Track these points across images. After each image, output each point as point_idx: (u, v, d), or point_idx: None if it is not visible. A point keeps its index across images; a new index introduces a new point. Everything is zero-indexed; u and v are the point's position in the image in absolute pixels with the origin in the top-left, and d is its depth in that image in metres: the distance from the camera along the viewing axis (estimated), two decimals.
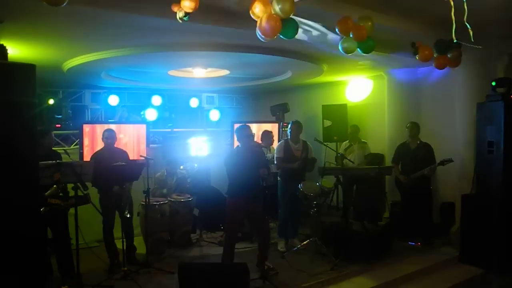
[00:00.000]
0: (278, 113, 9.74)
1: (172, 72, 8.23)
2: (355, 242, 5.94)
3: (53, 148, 5.76)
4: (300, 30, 4.21)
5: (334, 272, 5.47)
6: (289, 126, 6.53)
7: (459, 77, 6.82)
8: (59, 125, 7.93)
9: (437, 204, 7.27)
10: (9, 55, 3.81)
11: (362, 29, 4.44)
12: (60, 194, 4.73)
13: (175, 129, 9.06)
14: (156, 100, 9.56)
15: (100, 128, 6.69)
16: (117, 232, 5.60)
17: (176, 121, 9.62)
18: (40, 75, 3.55)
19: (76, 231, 4.65)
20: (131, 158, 6.11)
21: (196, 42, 5.89)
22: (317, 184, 6.22)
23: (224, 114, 10.29)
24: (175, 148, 7.99)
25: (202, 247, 6.66)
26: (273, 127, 8.92)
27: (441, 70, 5.94)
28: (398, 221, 6.99)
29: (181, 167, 7.39)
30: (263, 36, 3.93)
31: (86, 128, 7.12)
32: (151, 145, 7.85)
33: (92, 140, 7.06)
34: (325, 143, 7.09)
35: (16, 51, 5.84)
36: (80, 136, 7.06)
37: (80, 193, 4.63)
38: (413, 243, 6.63)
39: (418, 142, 6.76)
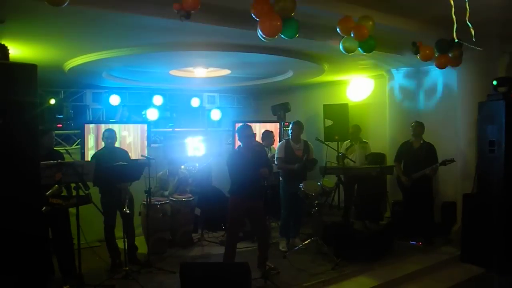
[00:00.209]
0: (279, 112, 9.73)
1: (173, 72, 8.24)
2: (356, 241, 5.94)
3: (55, 148, 5.78)
4: None
5: (335, 271, 5.47)
6: (290, 126, 6.53)
7: (460, 77, 6.81)
8: (60, 125, 7.92)
9: (438, 204, 7.27)
10: (10, 55, 3.82)
11: (363, 29, 4.45)
12: (63, 193, 4.74)
13: (176, 129, 9.06)
14: (157, 100, 9.55)
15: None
16: (119, 231, 5.61)
17: (177, 121, 9.62)
18: (41, 75, 3.56)
19: (78, 231, 4.66)
20: (133, 157, 6.12)
21: (197, 42, 5.90)
22: (319, 183, 6.22)
23: (225, 114, 10.28)
24: (176, 147, 7.99)
25: (203, 246, 6.67)
26: (274, 127, 8.93)
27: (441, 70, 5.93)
28: (399, 221, 7.00)
29: (183, 166, 7.40)
30: (264, 36, 3.94)
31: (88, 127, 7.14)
32: (152, 145, 7.85)
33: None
34: (326, 143, 7.09)
35: (17, 51, 5.85)
36: (81, 135, 7.06)
37: (81, 193, 4.64)
38: (414, 243, 6.63)
39: (422, 141, 6.74)
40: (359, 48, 4.63)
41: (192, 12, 3.65)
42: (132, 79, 9.05)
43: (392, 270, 5.67)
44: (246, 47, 6.08)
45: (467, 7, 3.25)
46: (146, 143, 7.63)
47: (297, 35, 4.09)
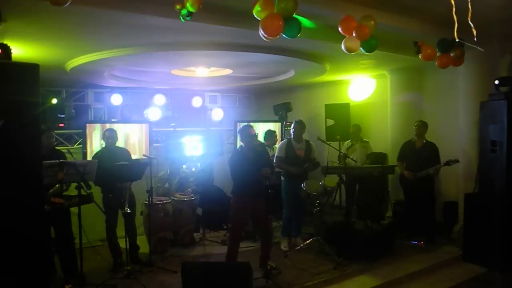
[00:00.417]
0: (281, 112, 9.74)
1: (175, 72, 8.24)
2: (358, 241, 5.94)
3: (57, 148, 5.79)
4: None
5: (337, 271, 5.47)
6: (292, 125, 6.53)
7: (462, 76, 6.81)
8: (62, 125, 7.94)
9: (440, 203, 7.26)
10: (12, 54, 3.82)
11: (365, 28, 4.44)
12: (65, 193, 4.75)
13: (178, 129, 9.06)
14: (159, 99, 9.57)
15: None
16: (120, 231, 5.62)
17: (179, 120, 9.63)
18: (43, 74, 3.57)
19: (80, 231, 4.67)
20: (134, 157, 6.13)
21: (199, 41, 5.90)
22: (320, 183, 6.22)
23: (227, 114, 10.29)
24: (177, 147, 7.99)
25: (205, 246, 6.67)
26: (276, 127, 8.95)
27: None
28: (401, 220, 7.00)
29: (184, 166, 7.40)
30: (265, 36, 3.94)
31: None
32: (154, 144, 7.86)
33: None
34: (328, 142, 7.09)
35: (20, 50, 5.87)
36: (83, 135, 7.07)
37: (83, 192, 4.65)
38: (416, 242, 6.63)
39: (424, 141, 6.74)
40: (361, 48, 4.63)
41: (194, 11, 3.66)
42: (134, 79, 9.06)
43: (394, 270, 5.67)
44: (247, 46, 6.08)
45: (469, 7, 3.24)
46: (148, 142, 7.64)
47: (298, 35, 4.10)
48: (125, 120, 8.54)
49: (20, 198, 3.42)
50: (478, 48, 3.76)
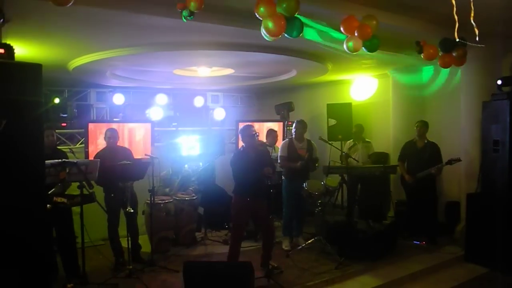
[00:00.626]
0: (283, 112, 9.75)
1: (177, 71, 8.25)
2: (359, 241, 5.94)
3: (59, 147, 5.81)
4: None
5: (338, 270, 5.47)
6: (294, 125, 6.54)
7: (464, 76, 6.79)
8: (64, 124, 7.95)
9: (442, 203, 7.26)
10: (15, 54, 3.83)
11: (367, 28, 4.44)
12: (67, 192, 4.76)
13: (180, 128, 9.07)
14: (161, 99, 9.58)
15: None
16: (122, 230, 5.63)
17: (181, 120, 9.63)
18: (46, 74, 3.57)
19: (82, 230, 4.68)
20: (138, 156, 6.13)
21: (201, 41, 5.90)
22: (322, 183, 6.22)
23: (229, 113, 10.29)
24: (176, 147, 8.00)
25: (207, 245, 6.68)
26: (278, 126, 8.94)
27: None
28: (403, 220, 6.99)
29: (186, 165, 7.41)
30: (268, 35, 3.94)
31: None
32: (156, 144, 7.87)
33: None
34: (330, 142, 7.09)
35: (22, 50, 5.88)
36: (85, 134, 7.08)
37: (85, 192, 4.66)
38: (418, 242, 6.62)
39: (426, 141, 6.75)
40: (363, 48, 4.63)
41: (196, 11, 3.67)
42: (136, 79, 9.07)
43: (396, 270, 5.67)
44: (249, 46, 6.09)
45: (472, 6, 3.24)
46: (150, 142, 7.65)
47: (301, 35, 4.10)
48: (127, 120, 8.55)
49: (22, 197, 3.43)
50: (478, 45, 3.75)
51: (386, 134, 8.42)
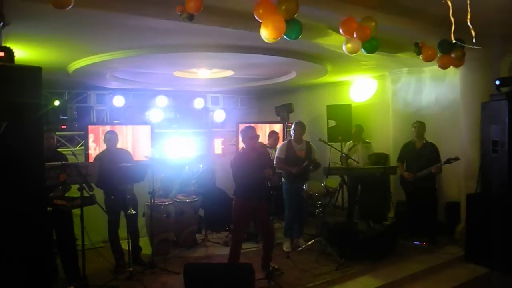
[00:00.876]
0: (283, 113, 9.73)
1: (177, 73, 8.26)
2: (360, 241, 5.94)
3: (59, 149, 5.81)
4: None
5: (339, 271, 5.48)
6: (292, 126, 6.55)
7: (463, 77, 6.81)
8: (64, 126, 7.96)
9: (442, 204, 7.26)
10: (15, 57, 3.84)
11: (366, 29, 4.46)
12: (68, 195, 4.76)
13: (180, 130, 9.08)
14: (161, 101, 9.58)
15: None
16: (123, 232, 5.63)
17: (181, 122, 9.64)
18: (46, 76, 3.58)
19: (82, 232, 4.68)
20: (139, 159, 6.15)
21: (201, 43, 5.91)
22: (322, 184, 6.23)
23: (229, 115, 10.30)
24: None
25: (207, 247, 6.69)
26: (278, 128, 8.95)
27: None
28: (403, 221, 6.99)
29: (186, 167, 7.42)
30: (267, 37, 3.96)
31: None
32: (156, 146, 7.87)
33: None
34: (330, 143, 7.10)
35: (22, 53, 5.89)
36: (85, 137, 7.09)
37: (85, 194, 4.67)
38: (418, 243, 6.63)
39: (424, 141, 6.77)
40: (362, 49, 4.64)
41: (195, 14, 3.68)
42: (136, 81, 9.08)
43: (396, 270, 5.67)
44: (249, 48, 6.10)
45: (468, 8, 3.25)
46: (150, 144, 7.66)
47: (300, 36, 4.11)
48: (127, 122, 8.55)
49: (22, 199, 3.44)
50: (475, 47, 3.76)
51: (386, 135, 8.42)
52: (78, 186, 4.65)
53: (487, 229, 5.85)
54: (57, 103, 7.56)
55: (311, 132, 9.36)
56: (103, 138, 5.82)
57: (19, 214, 3.43)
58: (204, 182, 7.34)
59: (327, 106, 9.34)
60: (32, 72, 3.53)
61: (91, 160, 6.65)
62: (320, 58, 7.11)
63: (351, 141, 7.71)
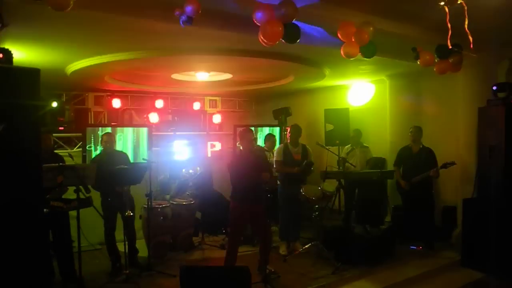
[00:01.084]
0: (281, 117, 9.76)
1: (175, 76, 8.26)
2: (356, 245, 5.95)
3: (56, 151, 5.81)
4: None
5: (335, 275, 5.48)
6: (288, 130, 6.57)
7: (460, 82, 6.84)
8: (62, 128, 7.95)
9: (438, 208, 7.27)
10: (13, 58, 3.85)
11: (364, 34, 4.47)
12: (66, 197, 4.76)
13: (177, 133, 9.08)
14: (159, 103, 9.60)
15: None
16: (119, 235, 5.63)
17: (179, 124, 9.64)
18: (43, 77, 3.58)
19: (78, 234, 4.68)
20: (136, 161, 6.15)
21: (199, 46, 5.92)
22: (319, 188, 6.23)
23: (226, 118, 10.31)
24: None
25: (204, 250, 6.68)
26: (276, 131, 8.96)
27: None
28: (400, 225, 7.00)
29: (183, 170, 7.42)
30: (265, 41, 3.97)
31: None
32: (153, 148, 7.87)
33: None
34: (327, 147, 7.11)
35: (20, 54, 5.88)
36: (83, 139, 7.09)
37: (82, 196, 4.66)
38: (415, 247, 6.64)
39: (421, 146, 6.79)
40: (360, 53, 4.66)
41: (193, 17, 3.69)
42: (134, 83, 9.08)
43: (393, 275, 5.68)
44: (247, 52, 6.11)
45: (466, 15, 3.28)
46: (147, 146, 7.67)
47: (298, 41, 4.13)
48: (125, 124, 8.56)
49: (20, 201, 3.44)
50: (471, 54, 3.80)
51: (383, 139, 8.44)
52: (74, 188, 4.64)
53: (483, 234, 5.86)
54: (55, 104, 7.54)
55: (308, 135, 9.38)
56: (100, 140, 5.81)
57: (17, 215, 3.42)
58: (202, 185, 7.34)
59: (325, 110, 9.35)
60: (30, 74, 3.54)
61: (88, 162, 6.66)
62: (318, 62, 7.13)
63: (349, 145, 7.73)
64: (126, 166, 5.45)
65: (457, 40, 4.39)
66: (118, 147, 6.62)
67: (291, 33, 4.02)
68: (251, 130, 5.30)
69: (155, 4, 4.19)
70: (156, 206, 6.24)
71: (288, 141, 6.55)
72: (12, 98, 3.37)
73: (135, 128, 7.87)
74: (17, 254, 3.45)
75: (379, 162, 8.02)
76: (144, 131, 7.86)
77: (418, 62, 5.33)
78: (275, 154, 6.52)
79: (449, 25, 3.46)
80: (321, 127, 9.44)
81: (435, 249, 6.61)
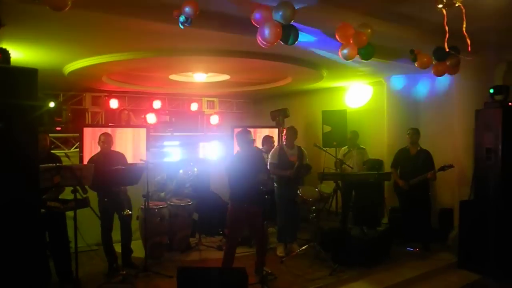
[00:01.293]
0: (278, 118, 9.77)
1: (173, 77, 8.26)
2: (354, 247, 5.95)
3: (53, 151, 5.79)
4: None
5: (332, 277, 5.48)
6: (284, 131, 6.57)
7: (457, 84, 6.86)
8: (59, 128, 7.93)
9: (435, 210, 7.29)
10: (11, 58, 3.84)
11: (362, 36, 4.48)
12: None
13: (175, 133, 9.08)
14: (157, 104, 9.60)
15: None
16: (116, 235, 5.62)
17: (176, 125, 9.64)
18: (41, 77, 3.58)
19: (75, 235, 4.66)
20: (134, 161, 6.14)
21: (197, 47, 5.92)
22: (316, 189, 6.24)
23: (224, 119, 10.32)
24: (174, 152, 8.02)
25: (201, 251, 6.67)
26: (273, 132, 8.96)
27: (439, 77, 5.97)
28: (397, 227, 7.01)
29: (181, 171, 7.41)
30: (264, 42, 3.98)
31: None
32: (151, 149, 7.86)
33: None
34: (324, 149, 7.12)
35: (18, 54, 5.87)
36: (80, 139, 7.07)
37: (79, 197, 4.65)
38: (412, 249, 6.65)
39: (418, 148, 6.80)
40: (357, 55, 4.67)
41: (192, 18, 3.69)
42: (132, 83, 9.07)
43: (390, 276, 5.68)
44: (245, 53, 6.11)
45: (464, 17, 3.29)
46: (145, 147, 7.65)
47: (296, 42, 4.14)
48: (122, 125, 8.54)
49: (16, 201, 3.43)
50: (467, 58, 3.81)
51: (381, 141, 8.46)
52: (71, 188, 4.63)
53: (480, 235, 5.88)
54: (52, 104, 7.53)
55: (306, 137, 9.40)
56: (98, 140, 5.80)
57: (13, 216, 3.41)
58: (199, 186, 7.33)
59: (322, 111, 9.38)
60: (28, 74, 3.53)
61: (85, 162, 6.63)
62: (316, 64, 7.14)
63: (346, 146, 7.74)
64: (123, 167, 5.43)
65: (455, 42, 4.40)
66: (119, 147, 6.62)
67: (290, 35, 4.03)
68: (249, 131, 5.29)
69: (153, 5, 4.20)
70: (153, 207, 6.23)
71: (284, 143, 6.54)
72: (10, 98, 3.36)
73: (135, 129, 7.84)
74: (14, 255, 3.44)
75: (376, 164, 8.04)
76: (142, 131, 7.83)
77: (416, 64, 5.35)
78: (270, 157, 6.47)
79: (446, 27, 3.47)
80: (318, 128, 9.45)
81: (431, 250, 6.61)
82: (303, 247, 6.19)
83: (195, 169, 7.49)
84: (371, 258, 5.91)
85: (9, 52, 3.54)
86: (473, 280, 5.77)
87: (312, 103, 10.46)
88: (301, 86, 9.55)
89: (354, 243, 6.03)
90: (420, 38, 5.48)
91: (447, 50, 4.21)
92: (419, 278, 5.74)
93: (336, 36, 4.52)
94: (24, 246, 3.50)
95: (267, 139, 7.41)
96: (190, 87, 9.33)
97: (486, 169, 5.94)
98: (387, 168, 7.84)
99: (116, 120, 9.05)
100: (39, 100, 3.88)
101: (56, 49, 5.95)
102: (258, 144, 7.31)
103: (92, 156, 5.85)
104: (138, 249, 5.99)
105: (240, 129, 5.39)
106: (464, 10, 3.35)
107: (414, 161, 6.70)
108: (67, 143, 7.77)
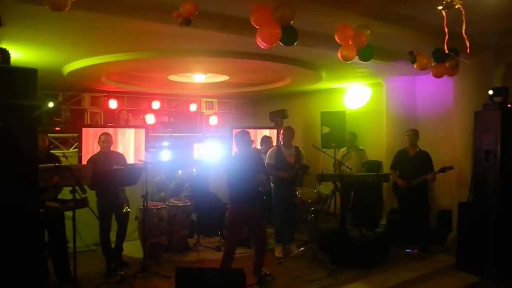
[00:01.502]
0: (277, 119, 9.75)
1: (172, 77, 8.26)
2: (352, 248, 5.95)
3: (52, 151, 5.79)
4: None
5: (331, 278, 5.48)
6: (281, 132, 6.56)
7: (456, 86, 6.87)
8: (58, 128, 7.93)
9: (434, 212, 7.30)
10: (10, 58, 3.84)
11: (361, 37, 4.49)
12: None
13: (174, 134, 9.08)
14: (155, 104, 9.60)
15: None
16: (114, 235, 5.61)
17: (175, 125, 9.65)
18: (40, 77, 3.58)
19: (74, 235, 4.66)
20: (133, 162, 6.13)
21: (197, 48, 5.92)
22: (315, 190, 6.24)
23: (223, 120, 10.32)
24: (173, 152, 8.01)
25: (199, 252, 6.66)
26: (272, 133, 8.96)
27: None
28: (395, 228, 7.02)
29: (180, 171, 7.41)
30: (263, 43, 3.97)
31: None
32: (150, 150, 7.86)
33: None
34: (323, 150, 7.12)
35: (17, 54, 5.87)
36: (79, 139, 7.07)
37: (78, 197, 4.65)
38: (410, 250, 6.65)
39: (417, 150, 6.80)
40: (357, 57, 4.67)
41: (191, 18, 3.69)
42: (131, 84, 9.08)
43: (388, 278, 5.68)
44: (245, 54, 6.12)
45: (463, 19, 3.29)
46: (143, 147, 7.65)
47: (296, 43, 4.14)
48: (121, 125, 8.54)
49: (15, 201, 3.42)
50: (466, 61, 3.82)
51: (380, 142, 8.47)
52: (70, 188, 4.63)
53: (478, 237, 5.88)
54: (51, 104, 7.53)
55: (304, 138, 9.41)
56: (98, 139, 5.80)
57: (12, 215, 3.41)
58: (198, 187, 7.33)
59: (321, 112, 9.38)
60: (27, 74, 3.53)
61: (84, 162, 6.63)
62: (315, 65, 7.15)
63: (345, 148, 7.74)
64: (122, 167, 5.43)
65: (454, 44, 4.41)
66: (118, 147, 6.63)
67: (289, 36, 4.03)
68: (248, 132, 5.28)
69: (152, 5, 4.20)
70: (152, 207, 6.23)
71: (281, 143, 6.52)
72: (9, 98, 3.36)
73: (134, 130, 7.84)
74: (12, 254, 3.44)
75: (375, 165, 8.04)
76: (141, 132, 7.83)
77: (415, 66, 5.35)
78: (267, 157, 6.45)
79: (446, 29, 3.47)
80: (317, 129, 9.45)
81: (430, 252, 6.62)
82: (301, 248, 6.19)
83: (194, 170, 7.49)
84: (369, 259, 5.91)
85: (9, 52, 3.54)
86: (472, 282, 5.77)
87: (311, 104, 10.46)
88: (300, 87, 9.56)
89: (353, 245, 6.04)
90: (419, 40, 5.49)
91: (447, 51, 4.21)
92: (417, 279, 5.74)
93: (336, 37, 4.52)
94: (22, 245, 3.50)
95: (266, 140, 7.41)
96: (189, 88, 9.33)
97: (485, 171, 5.94)
98: (386, 169, 7.85)
99: (115, 120, 9.05)
100: (38, 100, 3.87)
101: (55, 49, 5.95)
102: (257, 144, 7.31)
103: (92, 156, 5.84)
104: (136, 249, 5.98)
105: (239, 130, 5.38)
106: (463, 12, 3.35)
107: (413, 163, 6.71)
108: (66, 143, 7.77)
